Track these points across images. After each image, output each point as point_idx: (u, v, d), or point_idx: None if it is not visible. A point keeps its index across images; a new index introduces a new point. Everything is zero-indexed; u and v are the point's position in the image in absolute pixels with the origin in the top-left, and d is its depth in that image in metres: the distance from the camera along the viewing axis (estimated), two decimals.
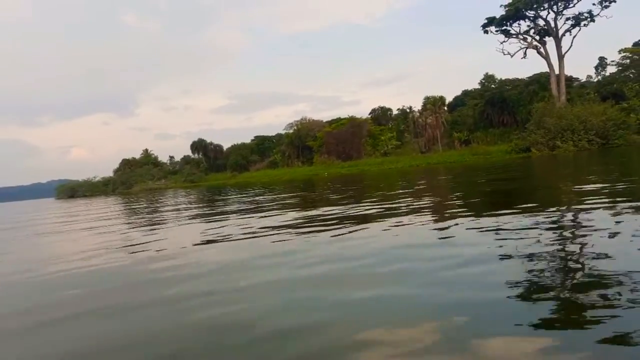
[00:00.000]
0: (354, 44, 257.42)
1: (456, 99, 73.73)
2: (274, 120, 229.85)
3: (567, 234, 4.64)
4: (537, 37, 53.45)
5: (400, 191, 13.50)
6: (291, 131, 77.54)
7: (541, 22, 52.79)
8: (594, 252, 3.66)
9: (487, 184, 13.96)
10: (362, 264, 4.06)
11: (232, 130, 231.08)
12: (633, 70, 53.34)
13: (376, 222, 6.83)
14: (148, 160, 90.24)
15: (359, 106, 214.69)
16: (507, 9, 52.62)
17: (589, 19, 50.38)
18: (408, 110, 73.69)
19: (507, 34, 54.26)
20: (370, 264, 4.03)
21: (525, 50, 53.73)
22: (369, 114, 78.14)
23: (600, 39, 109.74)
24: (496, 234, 4.79)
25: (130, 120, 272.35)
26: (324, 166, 59.12)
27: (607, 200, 6.58)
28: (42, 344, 2.86)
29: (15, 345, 2.95)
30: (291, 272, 4.07)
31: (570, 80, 60.37)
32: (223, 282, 3.97)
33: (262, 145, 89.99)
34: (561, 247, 3.96)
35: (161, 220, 11.65)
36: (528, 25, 53.63)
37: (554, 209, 6.28)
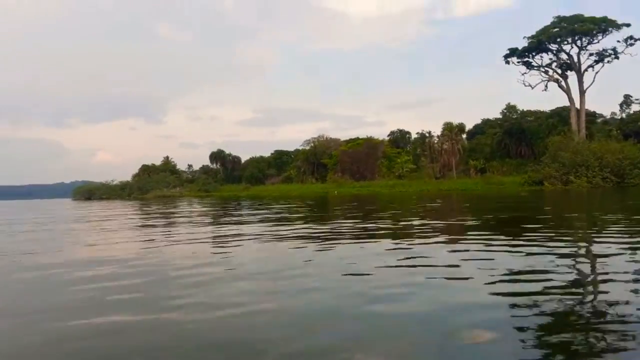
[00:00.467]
0: (381, 66, 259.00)
1: (476, 127, 73.30)
2: (297, 136, 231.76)
3: None
4: (559, 71, 52.88)
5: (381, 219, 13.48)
6: (308, 147, 78.06)
7: (564, 56, 52.22)
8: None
9: (474, 214, 13.86)
10: None
11: (255, 143, 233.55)
12: None
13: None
14: (167, 167, 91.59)
15: (382, 127, 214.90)
16: (529, 41, 52.35)
17: (613, 56, 49.78)
18: (427, 135, 73.49)
19: (529, 65, 53.84)
20: None
21: (547, 83, 53.25)
22: (388, 135, 78.20)
23: (627, 77, 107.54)
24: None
25: (157, 127, 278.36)
26: (335, 184, 59.17)
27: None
28: None
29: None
30: None
31: (593, 115, 59.39)
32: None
33: (280, 160, 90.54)
34: None
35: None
36: (550, 59, 53.13)
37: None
